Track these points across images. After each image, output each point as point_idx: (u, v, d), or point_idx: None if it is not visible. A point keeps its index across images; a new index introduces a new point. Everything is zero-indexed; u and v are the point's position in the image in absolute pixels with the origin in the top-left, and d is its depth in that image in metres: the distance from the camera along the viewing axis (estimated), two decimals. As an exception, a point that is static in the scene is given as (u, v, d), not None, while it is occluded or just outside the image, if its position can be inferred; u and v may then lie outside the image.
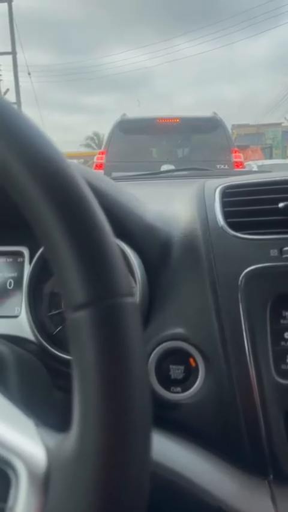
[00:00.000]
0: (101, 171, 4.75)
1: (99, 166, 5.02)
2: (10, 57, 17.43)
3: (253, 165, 8.50)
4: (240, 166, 5.12)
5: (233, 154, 5.09)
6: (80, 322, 0.27)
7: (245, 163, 7.04)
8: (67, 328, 0.28)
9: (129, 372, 0.27)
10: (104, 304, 0.27)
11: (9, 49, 17.40)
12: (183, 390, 0.57)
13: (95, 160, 5.37)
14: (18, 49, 17.59)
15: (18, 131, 0.29)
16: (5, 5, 17.36)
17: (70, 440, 0.27)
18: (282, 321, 0.56)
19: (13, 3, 17.51)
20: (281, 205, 0.61)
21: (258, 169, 7.78)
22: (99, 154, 5.31)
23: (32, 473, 0.27)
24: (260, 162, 9.44)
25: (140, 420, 0.27)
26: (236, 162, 5.02)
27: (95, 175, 0.65)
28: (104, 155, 5.13)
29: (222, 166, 4.71)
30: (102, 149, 5.37)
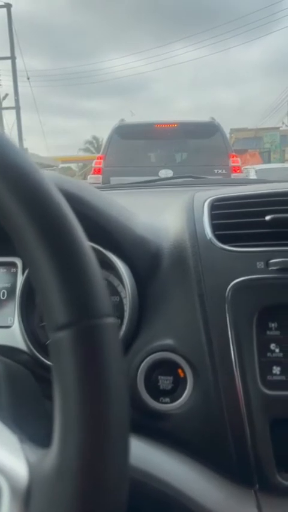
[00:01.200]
0: (99, 176, 4.86)
1: (97, 171, 5.08)
2: (8, 62, 17.47)
3: (251, 170, 8.47)
4: (238, 171, 5.17)
5: (231, 159, 5.16)
6: (61, 342, 0.28)
7: (243, 168, 7.05)
8: (49, 346, 0.29)
9: (108, 391, 0.28)
10: (84, 325, 0.28)
11: (6, 54, 17.43)
12: (172, 401, 0.58)
13: (93, 164, 5.42)
14: (17, 54, 17.64)
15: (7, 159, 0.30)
16: (3, 10, 17.42)
17: (51, 455, 0.28)
18: (268, 333, 0.57)
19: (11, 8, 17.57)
20: (268, 217, 0.62)
21: (256, 173, 7.78)
22: (98, 159, 5.38)
23: (13, 488, 0.28)
24: (257, 166, 9.44)
25: (118, 436, 0.28)
26: (234, 167, 5.08)
27: (84, 188, 0.66)
28: (102, 160, 5.19)
29: (220, 171, 4.79)
30: (100, 154, 5.42)
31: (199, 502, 0.53)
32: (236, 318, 0.57)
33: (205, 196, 0.70)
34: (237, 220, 0.64)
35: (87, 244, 0.30)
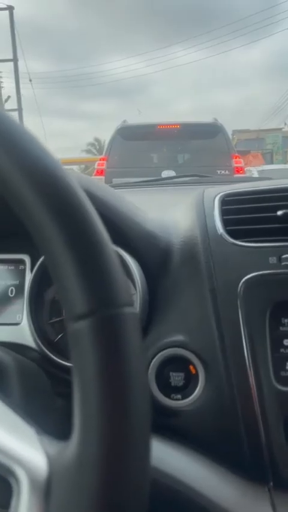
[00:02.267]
0: (102, 177, 4.84)
1: (100, 172, 5.07)
2: (9, 64, 17.55)
3: (253, 170, 8.50)
4: (241, 171, 5.16)
5: (234, 160, 5.14)
6: (81, 332, 0.27)
7: (245, 169, 7.06)
8: (68, 337, 0.29)
9: (129, 381, 0.27)
10: (104, 315, 0.27)
11: (7, 57, 17.49)
12: (184, 397, 0.57)
13: (95, 166, 5.42)
14: (19, 56, 17.69)
15: (18, 142, 0.30)
16: (5, 12, 17.49)
17: (71, 447, 0.27)
18: (281, 328, 0.56)
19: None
20: (279, 212, 0.61)
21: (258, 174, 7.80)
22: (100, 160, 5.36)
23: (33, 481, 0.27)
24: (260, 168, 9.50)
25: (139, 427, 0.27)
26: (237, 167, 5.07)
27: (94, 184, 0.65)
28: (105, 162, 5.18)
29: (223, 172, 4.77)
30: (103, 156, 5.42)
31: (212, 499, 0.52)
32: (248, 314, 0.56)
33: (215, 192, 0.70)
34: (249, 215, 0.64)
35: (105, 234, 0.30)
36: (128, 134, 5.38)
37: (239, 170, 5.09)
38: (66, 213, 0.29)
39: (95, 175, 5.13)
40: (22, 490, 0.27)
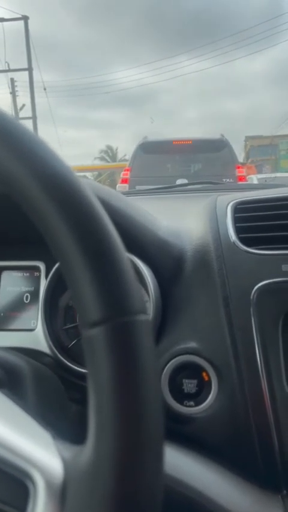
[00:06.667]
0: (126, 185, 5.94)
1: (125, 181, 6.07)
2: (23, 74, 17.81)
3: (254, 178, 9.30)
4: (243, 180, 6.07)
5: (237, 170, 6.13)
6: (95, 338, 0.28)
7: (247, 177, 7.94)
8: (83, 343, 0.29)
9: (143, 387, 0.28)
10: (118, 322, 0.28)
11: (20, 67, 17.77)
12: (196, 404, 0.58)
13: (121, 175, 6.43)
14: (33, 65, 17.93)
15: (34, 152, 0.31)
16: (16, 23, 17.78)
17: (86, 452, 0.28)
18: None
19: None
20: None
21: (258, 182, 8.22)
22: (125, 170, 6.43)
23: (49, 484, 0.28)
24: (259, 176, 10.32)
25: (153, 432, 0.28)
26: (239, 176, 6.02)
27: (107, 192, 0.66)
28: (128, 172, 6.23)
29: (228, 180, 5.50)
30: (127, 167, 6.49)
31: (224, 506, 0.52)
32: (261, 321, 0.56)
33: (228, 200, 0.70)
34: (261, 223, 0.64)
35: (120, 242, 0.30)
36: (148, 148, 6.43)
37: (241, 178, 5.99)
38: (82, 221, 0.29)
39: (121, 183, 6.15)
40: (38, 493, 0.27)
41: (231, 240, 0.63)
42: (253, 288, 0.58)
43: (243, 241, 0.62)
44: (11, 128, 0.30)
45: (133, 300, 0.29)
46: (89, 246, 0.29)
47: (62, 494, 0.28)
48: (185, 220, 0.75)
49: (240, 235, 0.63)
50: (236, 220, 0.65)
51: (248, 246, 0.61)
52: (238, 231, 0.64)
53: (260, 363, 0.55)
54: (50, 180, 0.30)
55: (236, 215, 0.66)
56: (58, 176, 0.30)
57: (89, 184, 0.64)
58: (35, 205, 0.30)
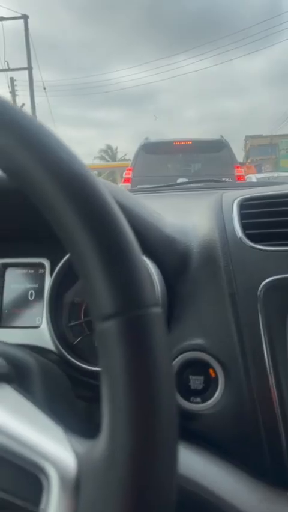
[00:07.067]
0: (129, 184, 5.96)
1: (127, 180, 6.21)
2: (23, 73, 17.82)
3: (253, 177, 9.49)
4: (242, 179, 6.22)
5: (236, 169, 6.28)
6: (108, 332, 0.28)
7: (246, 176, 8.25)
8: (96, 336, 0.29)
9: (157, 380, 0.27)
10: (131, 315, 0.28)
11: (20, 66, 17.77)
12: (203, 401, 0.57)
13: (123, 175, 6.61)
14: (33, 65, 17.93)
15: (50, 149, 0.30)
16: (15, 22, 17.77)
17: (99, 445, 0.28)
18: None
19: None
20: None
21: (257, 181, 8.36)
22: (127, 170, 6.61)
23: (63, 478, 0.28)
24: (258, 175, 10.41)
25: (167, 425, 0.28)
26: (238, 176, 6.17)
27: (117, 190, 0.66)
28: (131, 171, 6.39)
29: (227, 179, 5.56)
30: (129, 167, 6.66)
31: (232, 503, 0.52)
32: (268, 317, 0.56)
33: (234, 196, 0.70)
34: (268, 219, 0.64)
35: (132, 235, 0.30)
36: (150, 149, 6.60)
37: (240, 178, 6.15)
38: (96, 215, 0.29)
39: (123, 182, 6.26)
40: (52, 486, 0.27)
41: (238, 237, 0.62)
42: (260, 285, 0.57)
43: (250, 237, 0.62)
44: (30, 127, 0.30)
45: (147, 293, 0.29)
46: (104, 239, 0.29)
47: (75, 487, 0.27)
48: (189, 217, 0.75)
49: (246, 232, 0.63)
50: (242, 216, 0.65)
51: (255, 242, 0.61)
52: (244, 227, 0.63)
53: (267, 359, 0.55)
54: (65, 175, 0.30)
55: (242, 211, 0.66)
56: (73, 171, 0.30)
57: (103, 183, 0.64)
58: (49, 200, 0.29)
